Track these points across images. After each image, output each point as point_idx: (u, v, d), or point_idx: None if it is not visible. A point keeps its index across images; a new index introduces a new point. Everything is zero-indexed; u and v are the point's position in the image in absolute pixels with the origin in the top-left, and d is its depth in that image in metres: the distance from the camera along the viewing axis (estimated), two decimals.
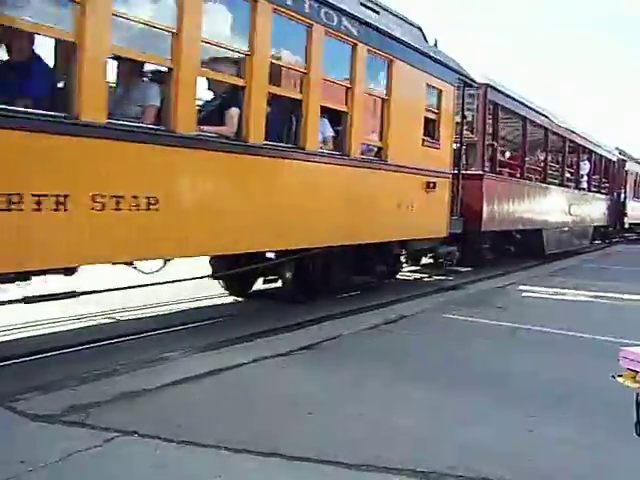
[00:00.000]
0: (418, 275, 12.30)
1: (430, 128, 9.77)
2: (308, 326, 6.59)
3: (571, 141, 18.01)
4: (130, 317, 7.15)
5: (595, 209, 20.66)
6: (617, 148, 23.67)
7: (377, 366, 5.06)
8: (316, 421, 3.86)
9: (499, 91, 13.11)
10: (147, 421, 3.68)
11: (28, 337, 5.96)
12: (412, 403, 4.25)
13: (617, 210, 23.84)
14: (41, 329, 6.16)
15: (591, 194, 20.31)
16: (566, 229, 17.92)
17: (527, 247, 15.34)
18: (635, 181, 27.48)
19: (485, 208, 12.08)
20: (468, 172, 11.83)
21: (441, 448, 3.50)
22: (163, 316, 7.35)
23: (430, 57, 9.51)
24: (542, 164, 16.27)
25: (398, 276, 10.89)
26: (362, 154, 8.13)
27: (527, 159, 15.38)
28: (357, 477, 3.15)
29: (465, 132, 12.02)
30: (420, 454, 3.39)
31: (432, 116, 9.80)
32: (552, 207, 16.38)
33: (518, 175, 14.48)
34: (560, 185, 17.27)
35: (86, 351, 5.68)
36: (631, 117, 79.22)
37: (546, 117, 15.91)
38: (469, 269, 12.81)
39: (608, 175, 22.37)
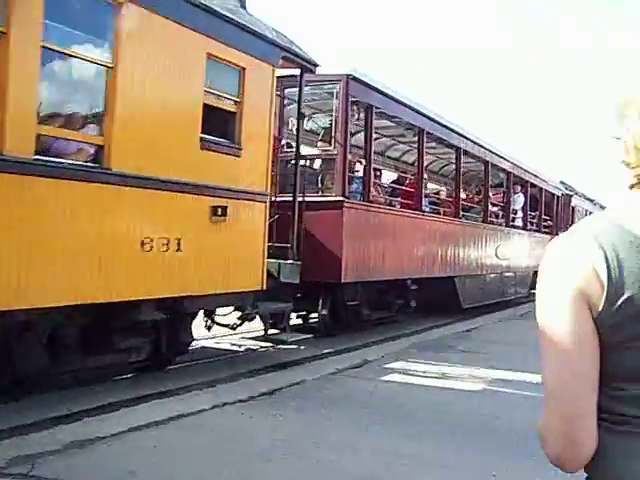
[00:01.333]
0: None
1: (219, 124, 6.37)
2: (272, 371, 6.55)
3: (497, 167, 14.58)
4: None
5: (535, 251, 16.20)
6: (562, 182, 20.43)
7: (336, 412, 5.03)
8: (276, 468, 3.82)
9: (372, 88, 9.16)
10: (96, 470, 3.59)
11: None
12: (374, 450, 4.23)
13: None
14: None
15: (528, 233, 16.64)
16: (493, 276, 14.54)
17: (435, 300, 11.84)
18: None
19: (347, 249, 8.32)
20: (316, 199, 8.38)
21: None
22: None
23: (216, 14, 6.10)
24: (454, 194, 12.96)
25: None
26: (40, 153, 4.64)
27: (429, 186, 12.64)
28: None
29: (322, 143, 9.36)
30: None
31: (225, 106, 6.47)
32: (470, 248, 12.84)
33: (417, 207, 10.83)
34: (483, 222, 13.78)
35: (36, 397, 5.19)
36: (580, 151, 72.96)
37: (455, 132, 12.13)
38: (309, 336, 8.55)
39: (551, 212, 18.64)
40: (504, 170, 15.03)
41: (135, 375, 6.14)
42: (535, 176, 16.90)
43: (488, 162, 13.88)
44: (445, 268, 11.68)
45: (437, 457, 4.06)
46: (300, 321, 9.56)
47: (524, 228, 16.39)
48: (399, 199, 10.99)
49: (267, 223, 6.79)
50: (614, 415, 1.06)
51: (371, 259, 9.07)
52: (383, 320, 10.38)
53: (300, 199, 7.76)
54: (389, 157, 14.03)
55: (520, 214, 16.29)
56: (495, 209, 15.16)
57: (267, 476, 3.69)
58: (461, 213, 12.67)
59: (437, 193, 13.60)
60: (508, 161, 14.99)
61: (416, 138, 11.36)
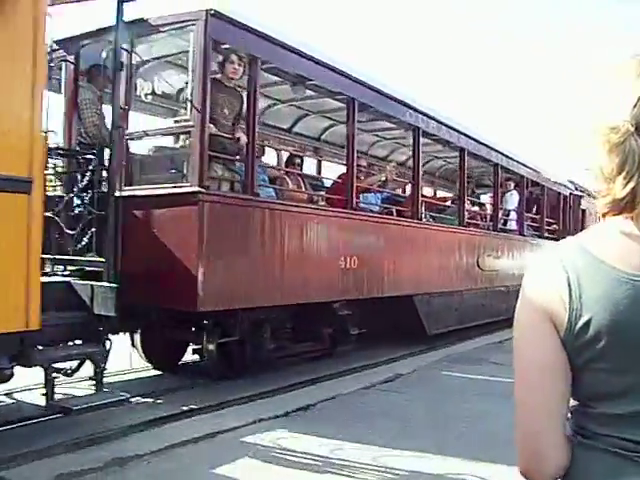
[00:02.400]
0: None
1: None
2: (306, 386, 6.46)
3: (480, 158, 11.64)
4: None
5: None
6: (571, 181, 17.30)
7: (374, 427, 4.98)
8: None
9: (252, 31, 6.25)
10: None
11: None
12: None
13: None
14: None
15: (525, 239, 13.24)
16: (475, 292, 11.20)
17: (392, 326, 9.00)
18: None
19: (209, 263, 5.67)
20: (157, 191, 5.86)
21: None
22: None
23: None
24: (415, 189, 9.65)
25: None
26: None
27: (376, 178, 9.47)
28: None
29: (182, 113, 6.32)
30: None
31: None
32: (438, 259, 9.80)
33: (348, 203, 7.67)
34: (460, 225, 10.62)
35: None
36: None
37: (409, 107, 8.97)
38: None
39: (557, 214, 15.55)
40: (489, 161, 11.91)
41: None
42: (534, 171, 13.87)
43: (464, 150, 10.72)
44: (399, 285, 8.57)
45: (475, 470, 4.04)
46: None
47: (520, 233, 13.16)
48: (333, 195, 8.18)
49: (38, 224, 4.23)
50: (586, 431, 1.11)
51: (262, 277, 6.21)
52: (312, 354, 7.92)
53: (128, 193, 5.52)
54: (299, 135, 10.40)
55: (514, 215, 13.42)
56: (474, 207, 12.55)
57: None
58: (423, 213, 9.63)
59: (383, 185, 9.45)
60: (495, 150, 11.79)
61: (344, 112, 7.99)
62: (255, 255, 6.20)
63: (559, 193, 15.78)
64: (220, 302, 5.86)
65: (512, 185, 13.24)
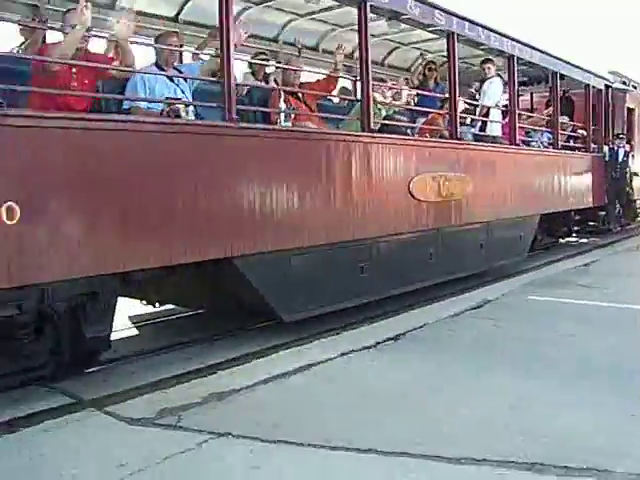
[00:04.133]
0: None
1: None
2: (392, 316, 6.42)
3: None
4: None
5: (538, 179, 9.83)
6: (614, 72, 13.68)
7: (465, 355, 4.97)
8: (410, 414, 3.78)
9: None
10: (239, 421, 3.67)
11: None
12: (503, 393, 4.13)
13: (614, 181, 12.77)
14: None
15: (515, 149, 9.19)
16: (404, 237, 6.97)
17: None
18: None
19: None
20: None
21: (541, 438, 3.34)
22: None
23: None
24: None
25: None
26: None
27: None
28: (462, 472, 3.04)
29: None
30: (522, 445, 3.25)
31: None
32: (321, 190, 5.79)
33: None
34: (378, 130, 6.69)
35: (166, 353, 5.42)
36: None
37: None
38: None
39: (592, 114, 11.89)
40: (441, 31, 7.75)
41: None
42: (544, 54, 9.96)
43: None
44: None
45: (568, 398, 3.91)
46: None
47: (512, 142, 9.04)
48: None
49: None
50: None
51: None
52: None
53: None
54: None
55: (496, 113, 9.12)
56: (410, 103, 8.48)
57: (399, 424, 3.64)
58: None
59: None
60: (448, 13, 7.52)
61: None
62: None
63: (589, 86, 11.78)
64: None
65: (492, 70, 8.99)
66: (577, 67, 11.28)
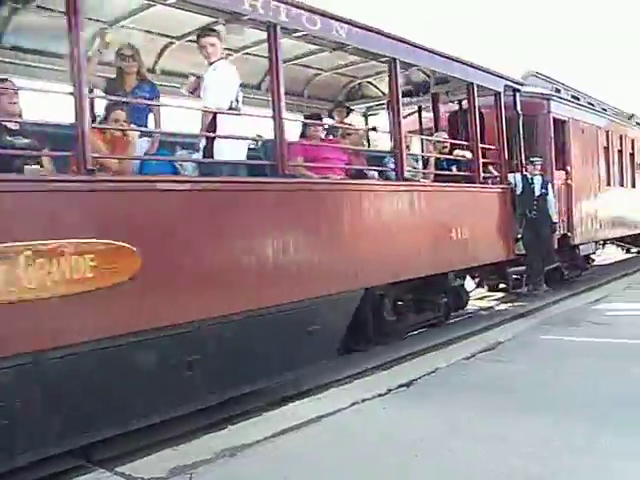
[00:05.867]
0: None
1: None
2: (401, 362, 6.39)
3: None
4: None
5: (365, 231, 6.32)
6: (539, 74, 11.27)
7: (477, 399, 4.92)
8: (425, 465, 3.73)
9: None
10: (252, 477, 3.67)
11: None
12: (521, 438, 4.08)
13: (530, 223, 9.47)
14: None
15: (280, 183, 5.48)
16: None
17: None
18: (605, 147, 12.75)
19: None
20: None
21: None
22: None
23: None
24: None
25: None
26: None
27: None
28: None
29: None
30: None
31: None
32: None
33: None
34: None
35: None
36: None
37: None
38: None
39: (501, 130, 8.86)
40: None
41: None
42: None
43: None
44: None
45: (589, 445, 3.82)
46: None
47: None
48: None
49: None
50: None
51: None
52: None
53: None
54: None
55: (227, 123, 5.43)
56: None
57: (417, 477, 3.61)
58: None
59: None
60: None
61: None
62: None
63: (498, 93, 8.69)
64: None
65: (218, 48, 5.52)
66: (460, 62, 8.04)
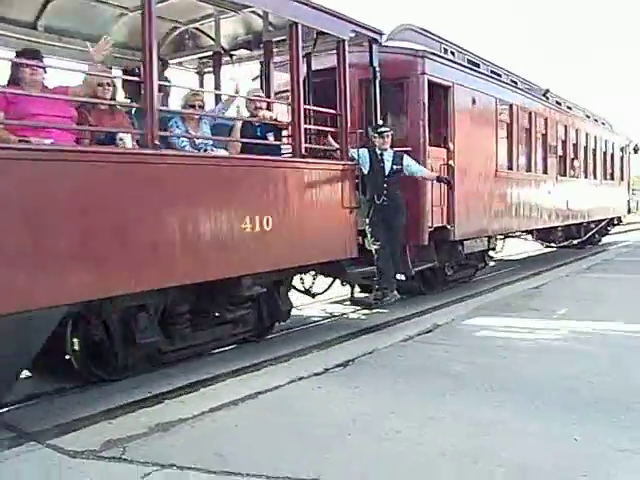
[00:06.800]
0: None
1: None
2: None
3: None
4: None
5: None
6: (418, 29, 9.62)
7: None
8: (356, 443, 3.81)
9: None
10: (185, 452, 3.66)
11: None
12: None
13: (379, 212, 7.14)
14: None
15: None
16: None
17: None
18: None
19: None
20: None
21: (488, 467, 3.43)
22: None
23: None
24: None
25: None
26: None
27: None
28: None
29: None
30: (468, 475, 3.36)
31: None
32: None
33: None
34: None
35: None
36: None
37: None
38: None
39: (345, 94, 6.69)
40: None
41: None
42: None
43: None
44: None
45: (519, 425, 4.03)
46: None
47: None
48: None
49: None
50: None
51: None
52: None
53: None
54: None
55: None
56: None
57: (348, 452, 3.69)
58: None
59: None
60: None
61: None
62: None
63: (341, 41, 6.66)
64: None
65: None
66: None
